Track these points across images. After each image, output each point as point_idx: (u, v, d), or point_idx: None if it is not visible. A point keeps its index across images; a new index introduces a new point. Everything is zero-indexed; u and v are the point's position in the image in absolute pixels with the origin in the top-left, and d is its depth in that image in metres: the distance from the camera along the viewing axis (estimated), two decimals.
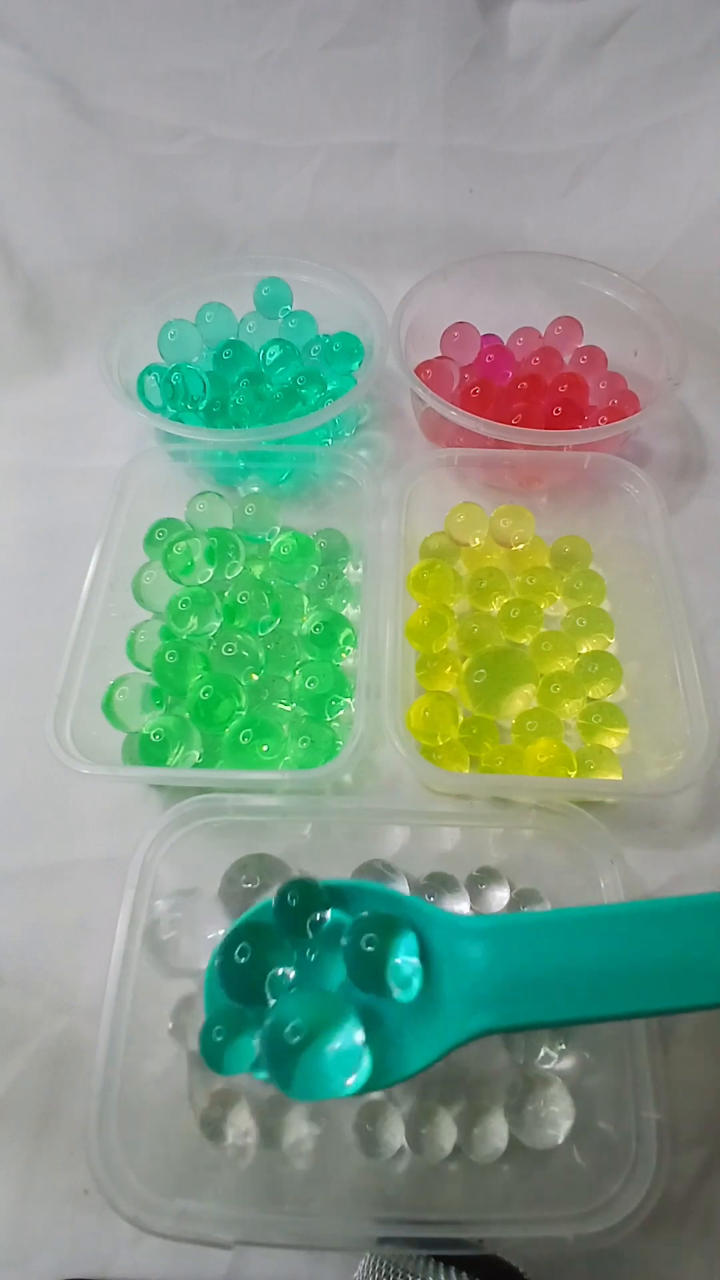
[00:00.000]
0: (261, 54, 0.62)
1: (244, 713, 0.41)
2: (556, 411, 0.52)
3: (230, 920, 0.34)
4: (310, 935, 0.30)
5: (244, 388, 0.52)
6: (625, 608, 0.46)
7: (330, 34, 0.62)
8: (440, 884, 0.36)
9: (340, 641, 0.44)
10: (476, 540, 0.49)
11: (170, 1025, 0.32)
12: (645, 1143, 0.28)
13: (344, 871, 0.36)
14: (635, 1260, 0.31)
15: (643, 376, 0.54)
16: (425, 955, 0.29)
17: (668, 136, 0.63)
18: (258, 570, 0.47)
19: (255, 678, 0.43)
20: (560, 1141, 0.31)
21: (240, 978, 0.29)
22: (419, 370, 0.52)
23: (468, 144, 0.66)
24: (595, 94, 0.63)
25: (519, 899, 0.36)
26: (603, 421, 0.51)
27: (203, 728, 0.41)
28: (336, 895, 0.31)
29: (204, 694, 0.40)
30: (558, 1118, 0.31)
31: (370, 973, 0.28)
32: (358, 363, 0.55)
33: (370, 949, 0.28)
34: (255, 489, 0.52)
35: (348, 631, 0.44)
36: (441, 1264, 0.28)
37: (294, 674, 0.43)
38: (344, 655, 0.44)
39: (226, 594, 0.44)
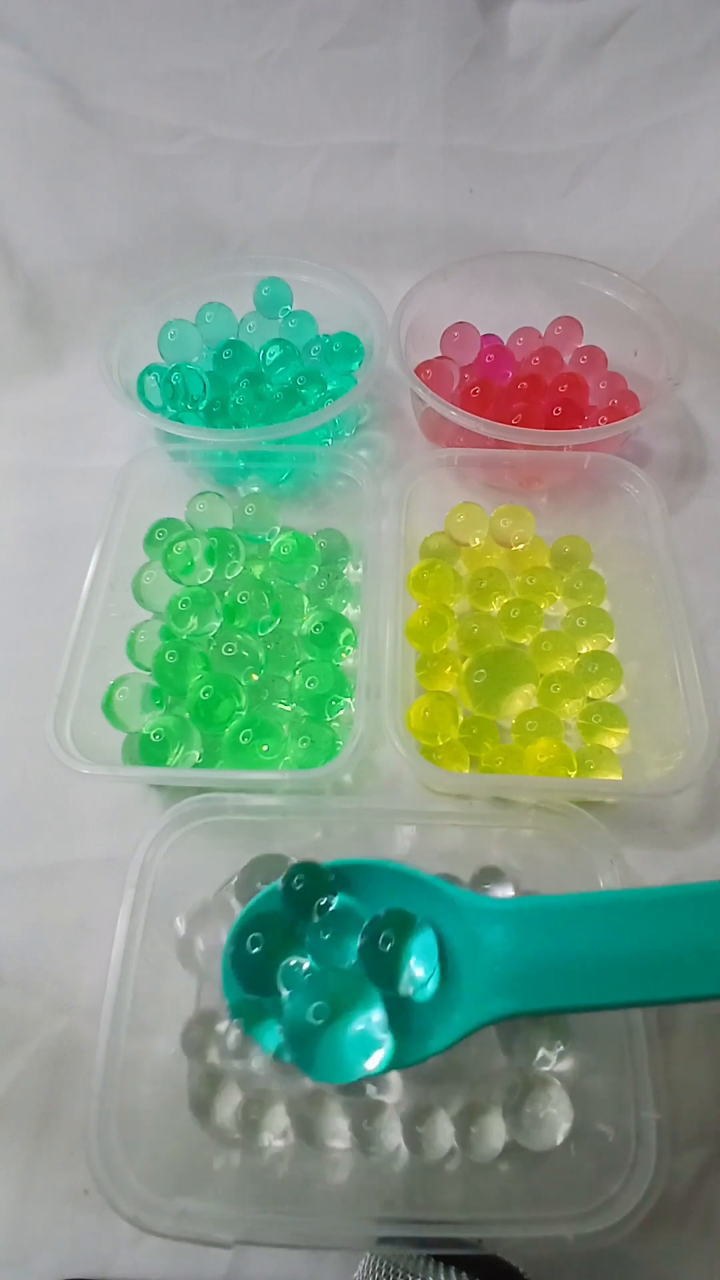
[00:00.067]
0: (261, 54, 0.62)
1: (244, 713, 0.41)
2: (556, 411, 0.52)
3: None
4: (316, 919, 0.30)
5: (244, 388, 0.52)
6: (625, 608, 0.46)
7: (330, 34, 0.62)
8: None
9: (340, 641, 0.44)
10: (476, 540, 0.49)
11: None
12: (645, 1143, 0.28)
13: None
14: (635, 1260, 0.31)
15: (643, 376, 0.54)
16: (443, 942, 0.29)
17: (668, 136, 0.63)
18: (258, 570, 0.47)
19: (255, 678, 0.43)
20: (558, 1144, 0.31)
21: (253, 968, 0.29)
22: (419, 370, 0.52)
23: (468, 144, 0.66)
24: (595, 94, 0.63)
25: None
26: (603, 421, 0.51)
27: (203, 728, 0.41)
28: (357, 873, 0.31)
29: (204, 694, 0.40)
30: (556, 1120, 0.31)
31: (387, 972, 0.28)
32: (358, 363, 0.55)
33: (387, 948, 0.28)
34: (255, 489, 0.52)
35: (348, 631, 0.44)
36: (441, 1264, 0.28)
37: (294, 674, 0.43)
38: (344, 655, 0.44)
39: (226, 594, 0.44)
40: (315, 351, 0.57)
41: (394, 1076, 0.32)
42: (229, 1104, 0.31)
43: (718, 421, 0.57)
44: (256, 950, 0.30)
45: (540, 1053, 0.33)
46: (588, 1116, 0.31)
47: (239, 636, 0.43)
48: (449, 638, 0.44)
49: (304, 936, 0.30)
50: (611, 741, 0.41)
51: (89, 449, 0.56)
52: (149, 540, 0.46)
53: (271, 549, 0.47)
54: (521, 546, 0.48)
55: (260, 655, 0.43)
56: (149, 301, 0.56)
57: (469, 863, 0.36)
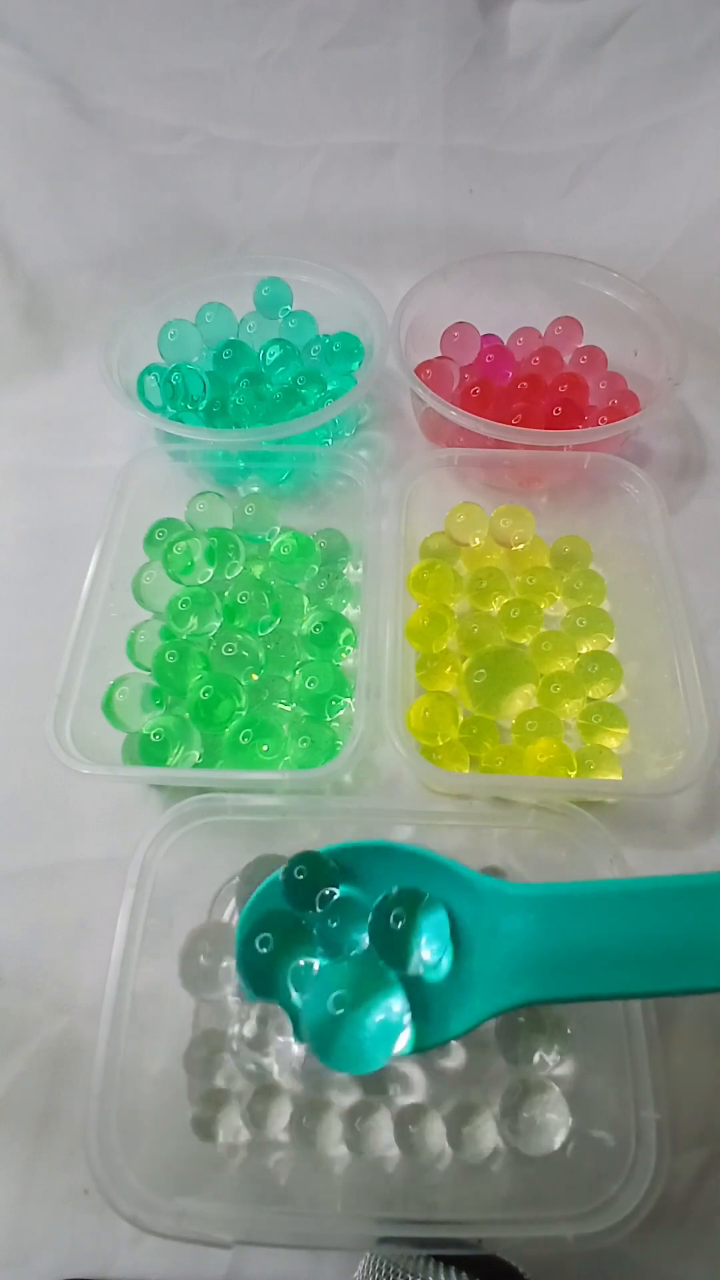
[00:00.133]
0: (261, 54, 0.62)
1: (244, 713, 0.41)
2: (556, 411, 0.52)
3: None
4: (319, 910, 0.30)
5: (244, 388, 0.52)
6: (625, 608, 0.46)
7: (330, 34, 0.62)
8: None
9: (340, 641, 0.44)
10: (476, 540, 0.49)
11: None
12: (645, 1143, 0.28)
13: None
14: (635, 1260, 0.31)
15: (643, 376, 0.54)
16: (455, 922, 0.28)
17: (668, 136, 0.63)
18: (258, 570, 0.47)
19: (255, 678, 0.43)
20: (555, 1149, 0.31)
21: (263, 969, 0.29)
22: (419, 370, 0.52)
23: (468, 144, 0.66)
24: (595, 94, 0.63)
25: None
26: (603, 421, 0.51)
27: (203, 728, 0.41)
28: (370, 855, 0.31)
29: (204, 694, 0.40)
30: (554, 1125, 0.31)
31: (399, 950, 0.28)
32: (358, 363, 0.55)
33: (399, 926, 0.28)
34: (255, 489, 0.52)
35: (348, 631, 0.44)
36: (441, 1264, 0.28)
37: (294, 674, 0.43)
38: (344, 655, 0.44)
39: (226, 594, 0.44)
40: (315, 351, 0.57)
41: (394, 1077, 0.32)
42: (231, 1126, 0.31)
43: (718, 421, 0.57)
44: (266, 950, 0.29)
45: (538, 1056, 0.32)
46: (588, 1116, 0.31)
47: (239, 636, 0.43)
48: (449, 638, 0.44)
49: (313, 929, 0.30)
50: (611, 741, 0.41)
51: (89, 449, 0.56)
52: (149, 540, 0.46)
53: (271, 549, 0.47)
54: (521, 546, 0.48)
55: (260, 655, 0.43)
56: (149, 301, 0.56)
57: (469, 863, 0.36)
